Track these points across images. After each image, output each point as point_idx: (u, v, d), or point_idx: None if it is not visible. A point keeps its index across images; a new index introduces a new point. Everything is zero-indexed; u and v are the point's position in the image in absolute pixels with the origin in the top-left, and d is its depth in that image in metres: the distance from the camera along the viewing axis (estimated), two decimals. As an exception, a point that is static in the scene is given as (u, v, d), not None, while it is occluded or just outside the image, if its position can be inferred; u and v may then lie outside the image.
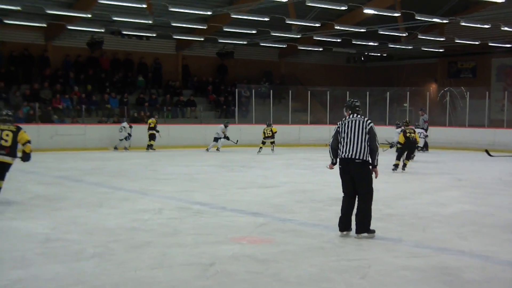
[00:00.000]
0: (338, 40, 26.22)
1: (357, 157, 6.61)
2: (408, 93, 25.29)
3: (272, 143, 20.13)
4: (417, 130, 15.11)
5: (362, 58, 32.87)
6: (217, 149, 20.22)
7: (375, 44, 26.85)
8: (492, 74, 29.19)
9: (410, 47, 27.91)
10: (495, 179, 12.73)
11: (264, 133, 20.13)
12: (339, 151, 6.78)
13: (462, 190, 11.06)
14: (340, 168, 6.80)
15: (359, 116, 6.80)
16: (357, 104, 6.94)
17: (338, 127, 6.85)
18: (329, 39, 26.17)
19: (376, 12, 21.26)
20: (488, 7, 24.25)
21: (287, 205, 8.99)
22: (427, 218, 8.03)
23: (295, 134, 21.86)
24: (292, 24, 23.30)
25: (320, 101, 26.05)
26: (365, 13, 21.91)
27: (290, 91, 25.47)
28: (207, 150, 20.22)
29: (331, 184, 10.62)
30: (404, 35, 25.62)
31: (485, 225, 7.57)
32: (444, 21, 22.64)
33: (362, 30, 23.08)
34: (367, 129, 6.65)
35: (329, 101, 25.07)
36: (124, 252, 5.94)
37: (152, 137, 20.07)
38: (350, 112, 6.87)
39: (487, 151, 15.18)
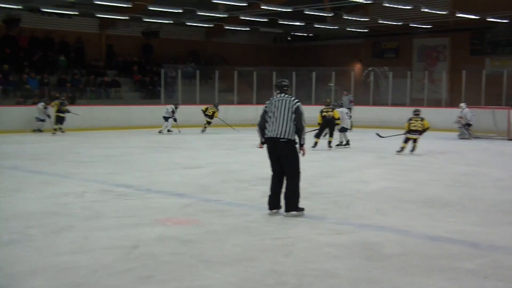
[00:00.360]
0: (265, 20, 26.23)
1: (282, 136, 6.64)
2: (333, 73, 25.73)
3: (209, 123, 20.09)
4: (341, 110, 15.44)
5: (289, 38, 33.05)
6: (160, 131, 19.31)
7: (301, 24, 27.02)
8: (414, 55, 30.07)
9: (335, 27, 28.31)
10: (415, 156, 13.19)
11: (207, 109, 20.23)
12: (266, 130, 6.79)
13: (384, 168, 11.41)
14: (267, 147, 6.82)
15: (287, 95, 6.82)
16: (286, 83, 6.94)
17: (266, 107, 6.85)
18: (255, 19, 26.13)
19: (302, -8, 21.39)
20: (411, -12, 24.84)
21: (213, 185, 8.96)
22: (350, 195, 8.22)
23: (221, 114, 21.77)
24: (218, 3, 23.07)
25: (247, 81, 26.02)
26: (291, -8, 21.98)
27: (216, 71, 25.31)
28: (168, 131, 19.34)
29: (257, 164, 10.69)
30: (330, 15, 25.93)
31: (404, 201, 7.83)
32: (369, 2, 23.06)
33: (289, 10, 23.15)
34: (293, 108, 6.67)
35: (256, 81, 25.15)
36: (44, 238, 5.73)
37: (58, 120, 19.13)
38: (278, 91, 6.88)
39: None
